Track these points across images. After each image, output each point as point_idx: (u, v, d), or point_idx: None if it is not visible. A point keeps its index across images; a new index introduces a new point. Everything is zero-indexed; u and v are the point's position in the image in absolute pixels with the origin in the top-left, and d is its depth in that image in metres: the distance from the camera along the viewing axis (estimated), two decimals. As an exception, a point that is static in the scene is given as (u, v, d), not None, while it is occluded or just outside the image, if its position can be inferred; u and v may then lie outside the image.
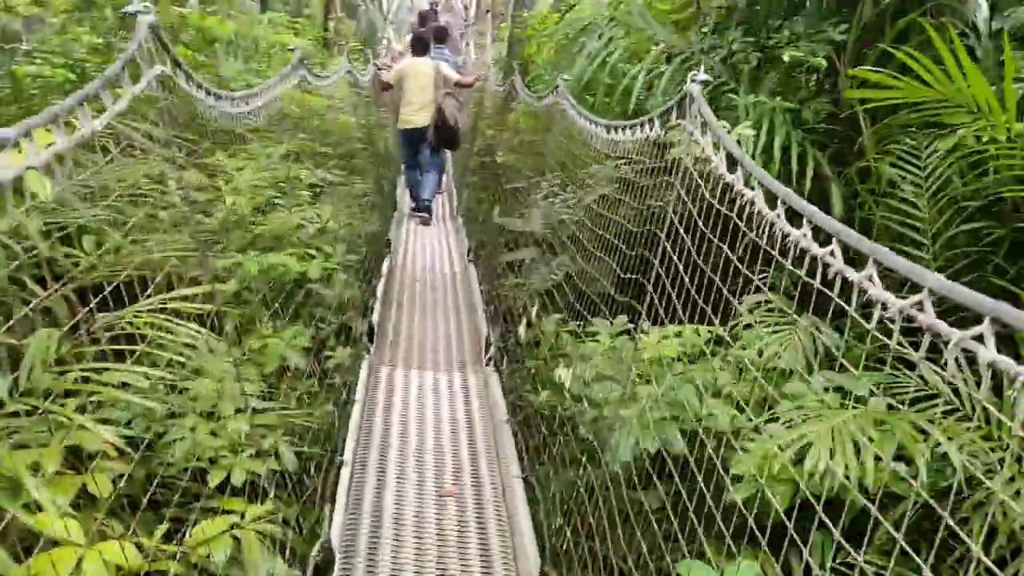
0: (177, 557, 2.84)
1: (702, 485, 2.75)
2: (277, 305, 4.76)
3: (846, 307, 2.02)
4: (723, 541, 2.60)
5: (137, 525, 2.84)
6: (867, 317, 1.92)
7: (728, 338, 3.46)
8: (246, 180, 5.38)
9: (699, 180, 3.21)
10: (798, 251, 2.28)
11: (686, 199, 3.32)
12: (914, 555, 1.79)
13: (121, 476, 2.86)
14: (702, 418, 3.09)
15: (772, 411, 3.13)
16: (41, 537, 2.40)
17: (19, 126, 1.68)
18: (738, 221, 2.75)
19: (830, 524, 2.08)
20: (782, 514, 2.32)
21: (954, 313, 1.70)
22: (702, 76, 3.37)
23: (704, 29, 6.11)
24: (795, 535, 2.23)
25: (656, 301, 3.46)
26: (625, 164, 4.81)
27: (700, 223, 3.10)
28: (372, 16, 24.26)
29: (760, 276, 2.79)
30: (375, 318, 6.28)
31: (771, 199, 2.49)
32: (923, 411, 3.24)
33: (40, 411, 2.67)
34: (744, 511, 2.49)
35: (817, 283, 2.13)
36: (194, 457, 3.14)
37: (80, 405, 2.93)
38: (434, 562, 3.78)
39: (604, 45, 5.96)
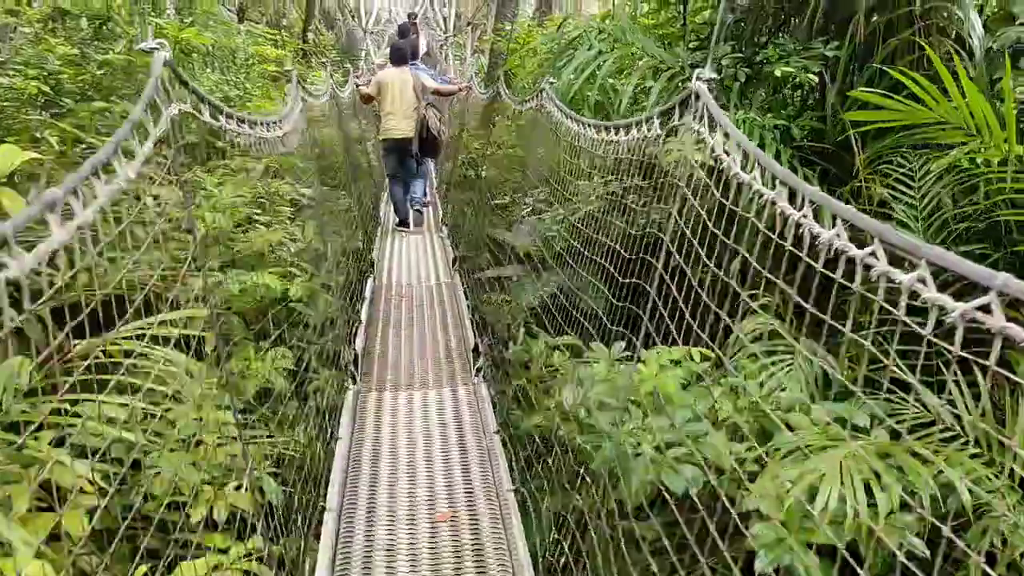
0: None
1: (706, 517, 2.64)
2: (259, 326, 4.66)
3: (893, 311, 1.87)
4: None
5: (114, 562, 2.72)
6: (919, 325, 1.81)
7: (728, 365, 3.39)
8: (227, 195, 5.29)
9: (708, 181, 3.07)
10: (832, 252, 2.14)
11: (693, 202, 3.19)
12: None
13: (97, 510, 2.74)
14: (713, 455, 3.00)
15: (774, 444, 3.05)
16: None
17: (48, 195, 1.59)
18: (756, 222, 2.60)
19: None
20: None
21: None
22: (708, 74, 3.20)
23: (691, 44, 6.06)
24: None
25: (662, 314, 3.33)
26: (619, 167, 4.70)
27: (712, 226, 2.96)
28: (351, 28, 24.19)
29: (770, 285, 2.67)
30: (360, 344, 6.16)
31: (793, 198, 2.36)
32: (923, 438, 3.18)
33: (12, 445, 2.56)
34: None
35: (857, 286, 2.00)
36: (175, 491, 3.02)
37: (55, 437, 2.82)
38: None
39: (592, 59, 5.89)
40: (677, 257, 3.11)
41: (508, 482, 4.41)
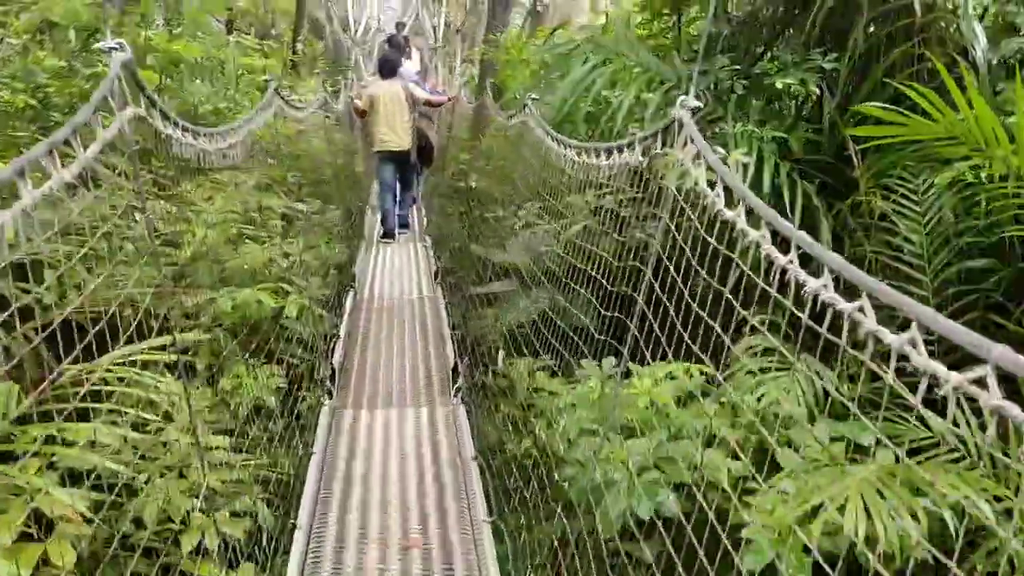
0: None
1: (693, 539, 2.56)
2: (249, 342, 4.58)
3: (881, 373, 1.81)
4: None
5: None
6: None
7: (722, 380, 3.32)
8: (217, 209, 5.21)
9: (691, 215, 3.00)
10: (819, 304, 2.08)
11: (676, 235, 3.12)
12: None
13: (86, 539, 2.67)
14: (700, 472, 2.92)
15: (774, 463, 2.98)
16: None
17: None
18: (742, 264, 2.54)
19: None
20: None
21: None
22: (692, 102, 3.08)
23: (686, 56, 6.01)
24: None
25: (653, 332, 3.26)
26: (601, 193, 4.63)
27: (695, 263, 2.89)
28: (339, 38, 24.10)
29: (762, 319, 2.60)
30: (337, 359, 6.04)
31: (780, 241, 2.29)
32: (928, 460, 3.12)
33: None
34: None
35: (844, 342, 1.94)
36: (165, 517, 2.94)
37: (43, 465, 2.74)
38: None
39: (587, 72, 5.83)
40: (674, 273, 3.04)
41: (484, 511, 4.28)
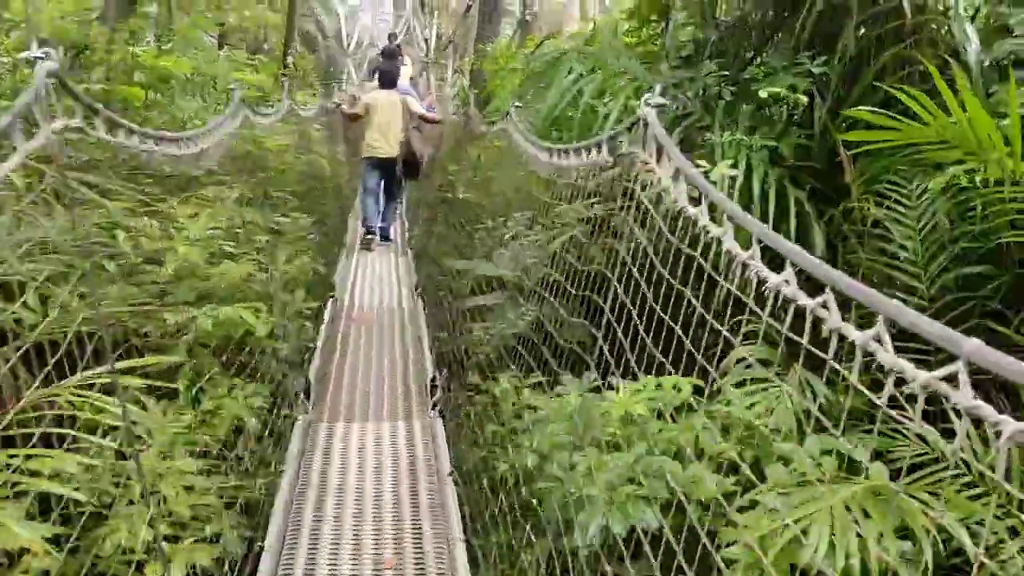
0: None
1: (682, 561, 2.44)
2: (231, 361, 4.48)
3: (845, 374, 1.70)
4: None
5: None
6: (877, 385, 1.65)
7: (705, 394, 3.21)
8: (200, 227, 5.10)
9: (655, 214, 2.89)
10: (780, 300, 1.97)
11: (640, 236, 3.01)
12: None
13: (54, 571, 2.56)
14: (684, 487, 2.80)
15: (762, 478, 2.86)
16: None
17: None
18: (703, 262, 2.43)
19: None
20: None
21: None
22: (657, 99, 3.04)
23: (674, 63, 5.92)
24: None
25: (607, 354, 3.15)
26: (572, 195, 4.53)
27: (658, 264, 2.78)
28: (332, 51, 24.09)
29: (734, 324, 2.48)
30: (312, 372, 5.91)
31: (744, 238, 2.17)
32: (923, 478, 3.01)
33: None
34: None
35: (806, 342, 1.83)
36: (130, 547, 2.82)
37: (9, 495, 2.64)
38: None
39: (574, 81, 5.75)
40: (637, 286, 2.93)
41: (458, 529, 4.16)
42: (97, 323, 2.87)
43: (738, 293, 2.19)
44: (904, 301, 3.84)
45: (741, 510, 2.72)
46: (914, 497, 2.76)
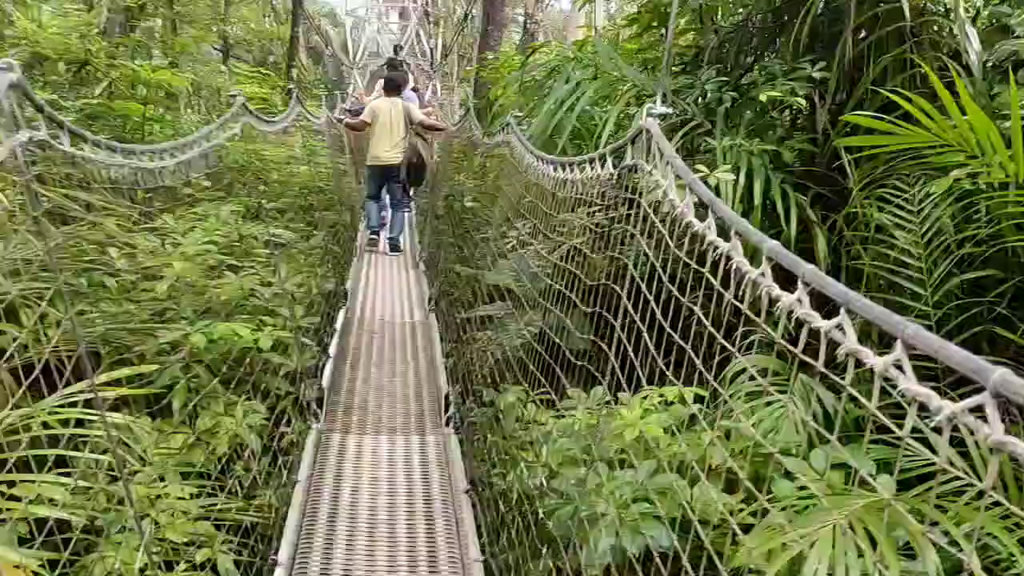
0: None
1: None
2: (228, 376, 4.41)
3: (865, 403, 1.62)
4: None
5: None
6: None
7: (710, 405, 3.14)
8: (196, 240, 5.07)
9: (660, 227, 2.82)
10: (793, 320, 1.89)
11: (647, 249, 2.94)
12: None
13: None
14: (695, 507, 2.73)
15: (769, 494, 2.79)
16: None
17: None
18: (711, 278, 2.35)
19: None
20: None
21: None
22: (659, 109, 2.98)
23: (675, 68, 5.86)
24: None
25: (616, 369, 3.07)
26: (576, 207, 4.47)
27: (665, 278, 2.71)
28: (339, 62, 24.13)
29: (743, 332, 2.42)
30: (326, 382, 5.85)
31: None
32: (931, 489, 2.93)
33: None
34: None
35: (820, 365, 1.76)
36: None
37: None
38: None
39: (572, 89, 5.69)
40: (646, 292, 2.86)
41: (475, 550, 4.06)
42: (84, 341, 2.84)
43: (748, 312, 2.11)
44: (909, 307, 3.79)
45: (746, 530, 2.65)
46: (919, 511, 2.69)
